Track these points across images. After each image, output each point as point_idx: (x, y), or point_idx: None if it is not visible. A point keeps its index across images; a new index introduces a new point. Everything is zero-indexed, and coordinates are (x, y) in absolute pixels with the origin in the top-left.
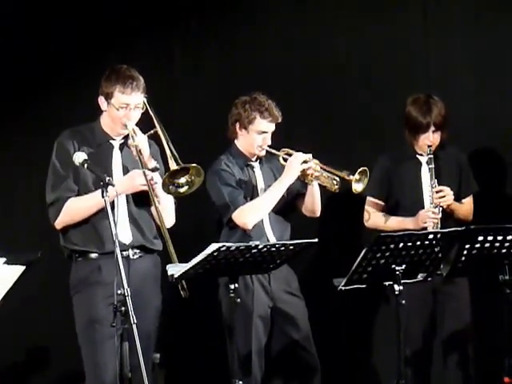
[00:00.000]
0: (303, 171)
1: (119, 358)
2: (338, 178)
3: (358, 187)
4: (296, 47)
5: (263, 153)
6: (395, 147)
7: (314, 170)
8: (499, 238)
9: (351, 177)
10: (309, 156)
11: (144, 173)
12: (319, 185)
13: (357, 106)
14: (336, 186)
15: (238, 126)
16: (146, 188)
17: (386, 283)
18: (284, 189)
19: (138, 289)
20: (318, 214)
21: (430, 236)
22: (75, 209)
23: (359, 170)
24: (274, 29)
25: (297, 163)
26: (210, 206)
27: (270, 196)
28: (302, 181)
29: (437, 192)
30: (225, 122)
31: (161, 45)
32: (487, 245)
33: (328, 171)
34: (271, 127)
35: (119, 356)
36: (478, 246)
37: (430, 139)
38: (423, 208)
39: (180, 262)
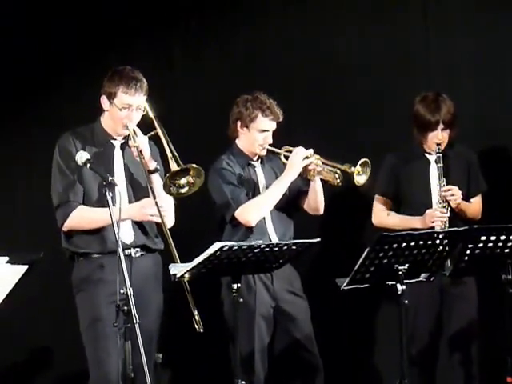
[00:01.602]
0: (305, 167)
1: (122, 358)
2: (339, 172)
3: (360, 179)
4: (296, 47)
5: (264, 152)
6: (396, 147)
7: (316, 164)
8: (502, 237)
9: (353, 169)
10: (310, 151)
11: (156, 203)
12: (322, 180)
13: (357, 106)
14: (338, 180)
15: (239, 124)
16: (155, 219)
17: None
18: (286, 185)
19: (141, 288)
20: (322, 211)
21: (433, 235)
22: (85, 219)
23: (360, 161)
24: (274, 29)
25: (298, 159)
26: (212, 206)
27: (273, 193)
28: (305, 177)
29: (445, 191)
30: (225, 122)
31: (161, 45)
32: (490, 244)
33: (329, 165)
34: (272, 125)
35: (122, 355)
36: (480, 245)
37: (438, 137)
38: (431, 207)
39: (183, 261)
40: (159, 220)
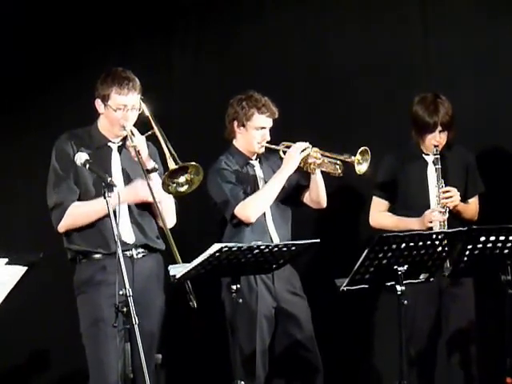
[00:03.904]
0: (305, 160)
1: (122, 359)
2: (340, 163)
3: (361, 168)
4: (296, 47)
5: (262, 150)
6: (396, 147)
7: (315, 157)
8: (501, 238)
9: (353, 158)
10: (307, 144)
11: (148, 184)
12: (323, 172)
13: (357, 106)
14: (339, 171)
15: (235, 124)
16: (149, 199)
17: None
18: (284, 179)
19: (143, 288)
20: (324, 204)
21: (432, 236)
22: (78, 214)
23: (359, 150)
24: (273, 29)
25: (296, 152)
26: (212, 207)
27: (271, 187)
28: (305, 171)
29: (444, 192)
30: (225, 122)
31: (160, 45)
32: (489, 245)
33: (329, 157)
34: (269, 122)
35: (122, 356)
36: (480, 246)
37: (436, 139)
38: (429, 208)
39: (183, 261)
40: (151, 200)
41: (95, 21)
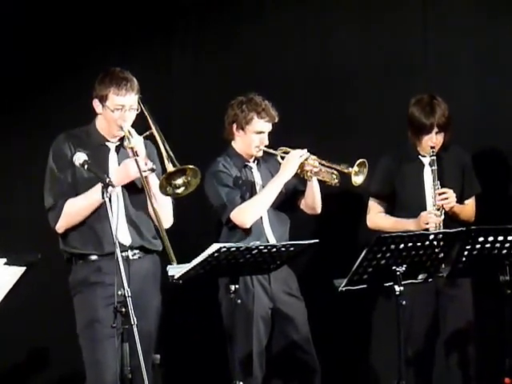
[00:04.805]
0: (302, 168)
1: (120, 359)
2: (337, 172)
3: (357, 180)
4: (296, 47)
5: (260, 153)
6: (395, 148)
7: (313, 165)
8: (500, 238)
9: (350, 169)
10: (305, 151)
11: (136, 160)
12: (319, 180)
13: (357, 107)
14: (336, 180)
15: (234, 126)
16: (138, 175)
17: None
18: (281, 185)
19: (139, 289)
20: (319, 210)
21: (431, 237)
22: (74, 209)
23: (357, 162)
24: (274, 29)
25: (294, 158)
26: (209, 208)
27: (268, 193)
28: (302, 178)
29: (439, 194)
30: (224, 123)
31: (160, 45)
32: (488, 245)
33: (327, 166)
34: (268, 127)
35: (120, 356)
36: (478, 246)
37: (433, 140)
38: (425, 210)
39: (181, 262)
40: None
41: (95, 21)
